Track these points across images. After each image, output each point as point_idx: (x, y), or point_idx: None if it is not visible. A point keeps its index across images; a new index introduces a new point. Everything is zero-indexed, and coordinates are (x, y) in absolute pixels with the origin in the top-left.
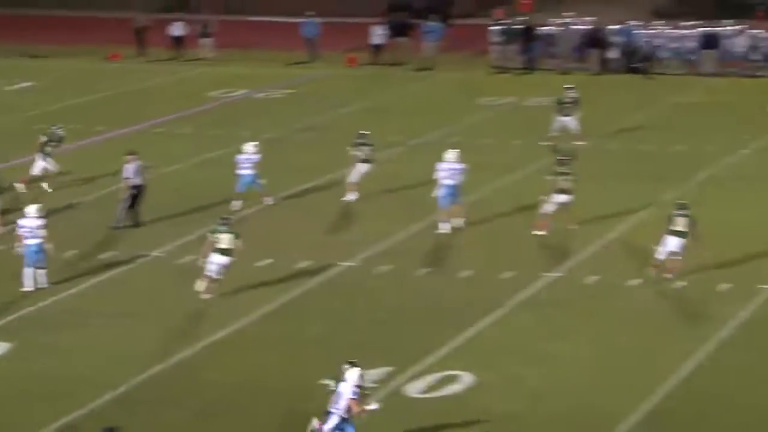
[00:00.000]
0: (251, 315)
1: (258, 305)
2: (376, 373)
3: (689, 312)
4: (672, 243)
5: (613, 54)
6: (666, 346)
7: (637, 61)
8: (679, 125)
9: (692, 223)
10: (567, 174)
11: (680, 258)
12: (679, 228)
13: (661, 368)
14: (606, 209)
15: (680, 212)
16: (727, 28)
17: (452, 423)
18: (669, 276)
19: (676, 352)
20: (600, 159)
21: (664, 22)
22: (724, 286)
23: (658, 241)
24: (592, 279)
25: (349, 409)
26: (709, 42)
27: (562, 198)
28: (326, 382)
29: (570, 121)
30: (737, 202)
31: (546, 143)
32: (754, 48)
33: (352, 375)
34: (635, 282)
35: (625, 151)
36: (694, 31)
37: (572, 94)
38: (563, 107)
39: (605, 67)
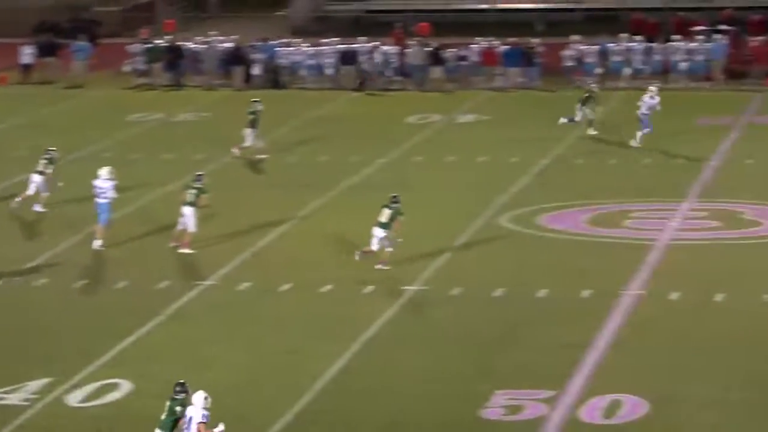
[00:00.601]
0: None
1: None
2: (36, 384)
3: (337, 314)
4: (377, 233)
5: (256, 70)
6: (316, 348)
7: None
8: (322, 137)
9: (395, 216)
10: (193, 188)
11: (376, 248)
12: (383, 219)
13: (312, 370)
14: (255, 218)
15: (390, 205)
16: (363, 45)
17: (112, 430)
18: (381, 267)
19: (326, 353)
20: (249, 170)
21: (302, 39)
22: (369, 288)
23: (305, 246)
24: (244, 285)
25: None
26: (347, 58)
27: (186, 210)
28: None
29: (250, 133)
30: (375, 210)
31: (237, 153)
32: (386, 63)
33: (198, 398)
34: (286, 287)
35: (272, 163)
36: (332, 47)
37: (259, 107)
38: (251, 120)
39: (249, 82)
